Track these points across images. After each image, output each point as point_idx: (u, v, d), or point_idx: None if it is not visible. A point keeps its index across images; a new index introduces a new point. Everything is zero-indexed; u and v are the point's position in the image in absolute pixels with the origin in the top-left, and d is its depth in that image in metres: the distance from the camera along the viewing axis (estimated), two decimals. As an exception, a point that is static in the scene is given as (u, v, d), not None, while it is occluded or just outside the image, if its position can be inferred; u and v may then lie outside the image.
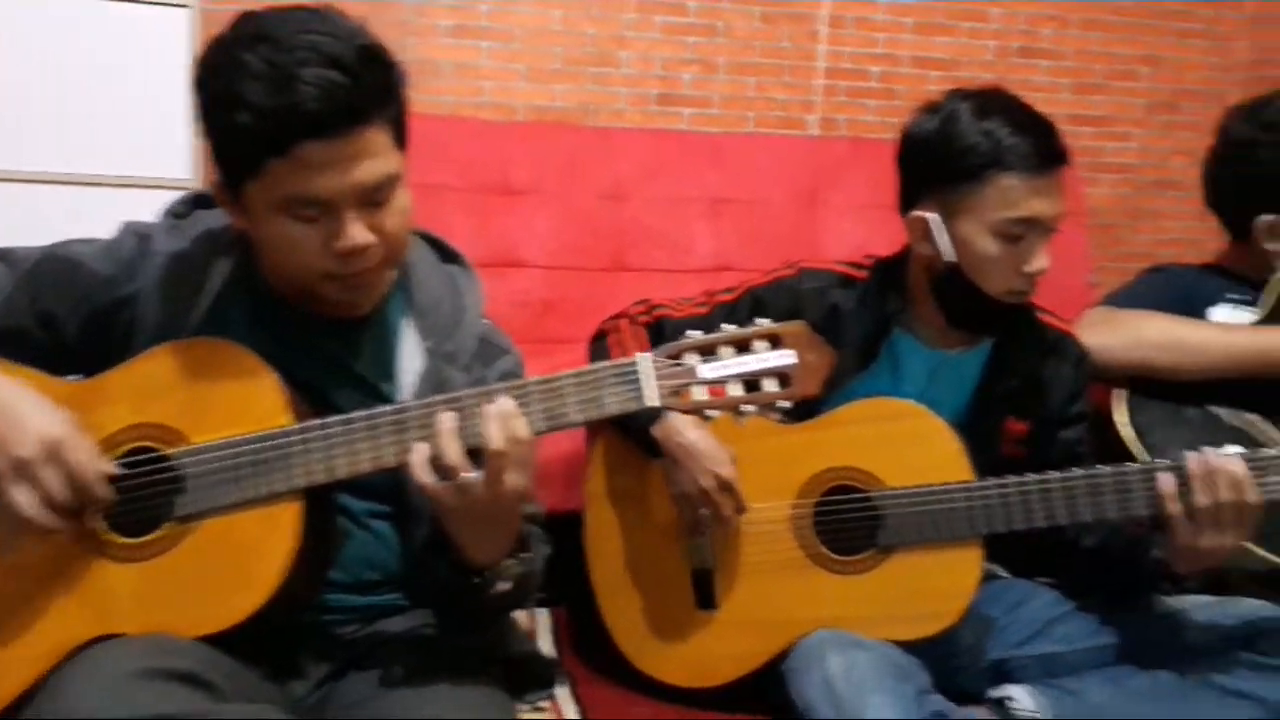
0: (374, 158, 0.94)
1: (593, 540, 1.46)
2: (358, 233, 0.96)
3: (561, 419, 0.95)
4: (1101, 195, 2.84)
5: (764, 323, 0.97)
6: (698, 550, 1.37)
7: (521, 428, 0.91)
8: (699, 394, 0.95)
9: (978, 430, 1.37)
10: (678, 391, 0.95)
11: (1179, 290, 1.69)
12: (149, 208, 1.15)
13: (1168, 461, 1.19)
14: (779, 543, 1.34)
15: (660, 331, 1.45)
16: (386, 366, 1.10)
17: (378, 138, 0.95)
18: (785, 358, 0.96)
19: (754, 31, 2.53)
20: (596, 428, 1.52)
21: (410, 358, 1.10)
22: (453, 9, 2.37)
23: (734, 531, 1.35)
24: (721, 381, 0.96)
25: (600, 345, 1.48)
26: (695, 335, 0.97)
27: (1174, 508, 1.16)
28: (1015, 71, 2.71)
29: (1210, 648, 1.29)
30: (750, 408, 0.97)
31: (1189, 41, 2.85)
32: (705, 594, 1.38)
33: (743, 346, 0.96)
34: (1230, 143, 1.70)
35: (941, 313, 1.37)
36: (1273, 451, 1.14)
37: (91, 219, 1.16)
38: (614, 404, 0.95)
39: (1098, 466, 1.22)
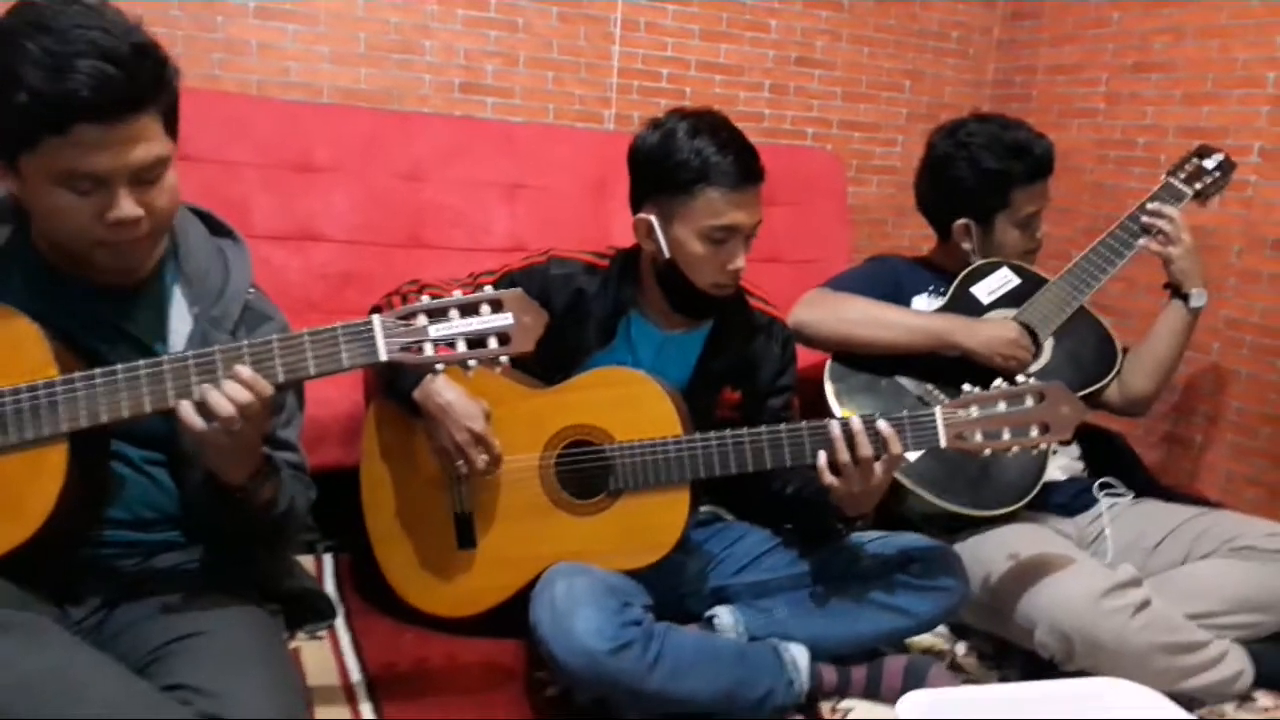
0: (147, 142, 1.07)
1: (368, 492, 1.63)
2: (128, 206, 1.08)
3: (301, 372, 1.10)
4: (870, 194, 3.19)
5: (488, 290, 1.13)
6: (458, 497, 1.56)
7: (262, 387, 1.07)
8: (429, 350, 1.10)
9: (699, 398, 1.62)
10: (408, 348, 1.10)
11: (891, 278, 1.99)
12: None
13: (816, 423, 1.45)
14: (528, 489, 1.55)
15: (429, 307, 1.61)
16: (158, 329, 1.21)
17: (150, 124, 1.08)
18: (504, 319, 1.12)
19: (552, 30, 2.71)
20: (370, 393, 1.69)
21: (180, 320, 1.22)
22: (258, -10, 2.44)
23: (490, 480, 1.55)
24: (449, 339, 1.11)
25: (376, 316, 1.63)
26: (426, 300, 1.12)
27: (821, 460, 1.42)
28: (792, 79, 3.01)
29: (875, 572, 1.58)
30: (473, 362, 1.13)
31: (945, 60, 3.22)
32: (466, 535, 1.57)
33: (469, 310, 1.12)
34: (933, 157, 2.00)
35: (665, 299, 1.60)
36: (904, 414, 1.42)
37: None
38: (349, 359, 1.10)
39: (778, 426, 1.47)
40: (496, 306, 1.13)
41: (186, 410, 1.07)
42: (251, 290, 1.30)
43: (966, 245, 1.95)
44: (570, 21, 2.72)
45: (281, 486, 1.22)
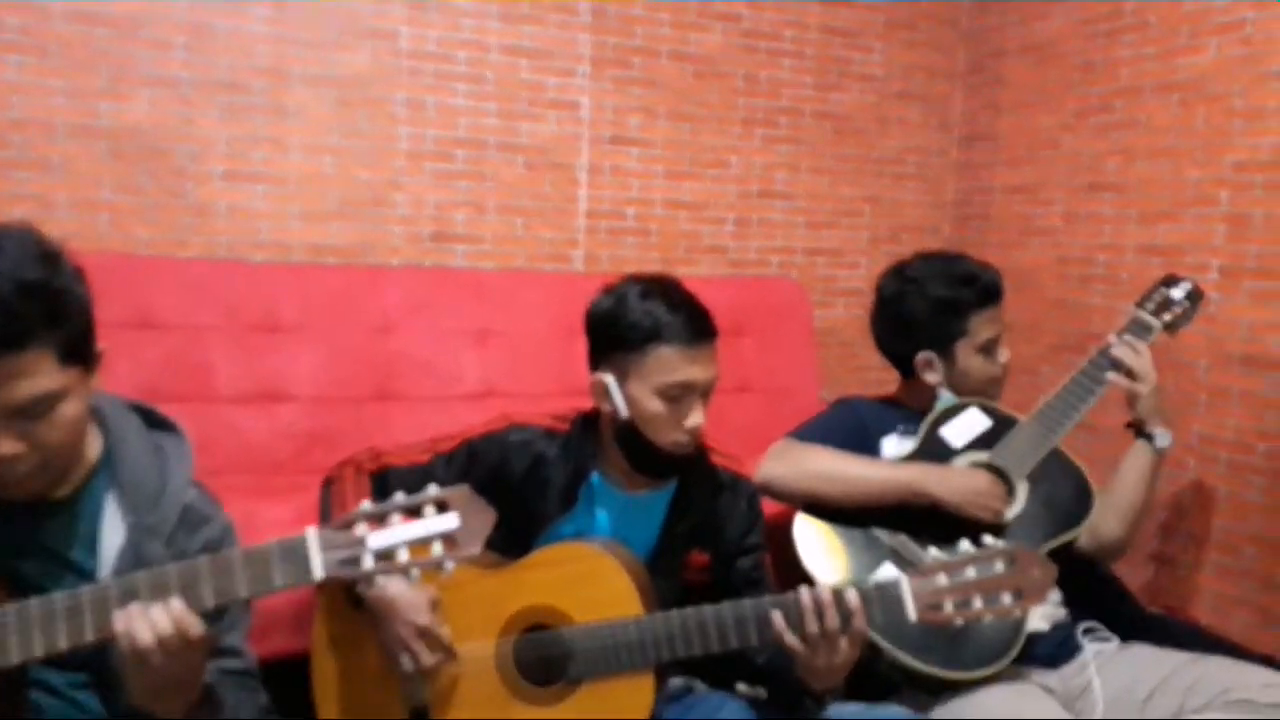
0: (29, 378, 1.04)
1: (319, 686, 1.56)
2: (6, 444, 1.05)
3: (231, 595, 1.06)
4: (837, 317, 3.22)
5: (432, 489, 1.11)
6: (412, 691, 1.50)
7: (187, 625, 1.04)
8: (369, 562, 1.07)
9: (665, 561, 1.58)
10: (346, 562, 1.06)
11: (857, 422, 1.97)
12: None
13: (780, 597, 1.39)
14: (485, 679, 1.49)
15: (385, 479, 1.59)
16: (88, 543, 1.18)
17: (36, 360, 1.05)
18: (449, 522, 1.09)
19: (519, 178, 2.77)
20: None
21: (112, 533, 1.19)
22: (227, 157, 2.49)
23: (445, 671, 1.49)
24: (390, 549, 1.07)
25: (326, 493, 1.61)
26: (366, 506, 1.09)
27: (789, 638, 1.37)
28: (755, 211, 3.07)
29: (854, 751, 1.51)
30: (416, 571, 1.09)
31: (904, 184, 3.30)
32: (423, 730, 1.51)
33: (413, 512, 1.09)
34: (883, 299, 2.00)
35: (626, 460, 1.58)
36: (871, 585, 1.38)
37: None
38: (282, 579, 1.06)
39: (741, 601, 1.43)
40: (442, 507, 1.10)
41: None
42: (192, 490, 1.28)
43: (932, 378, 1.94)
44: (536, 169, 2.78)
45: (219, 712, 1.17)
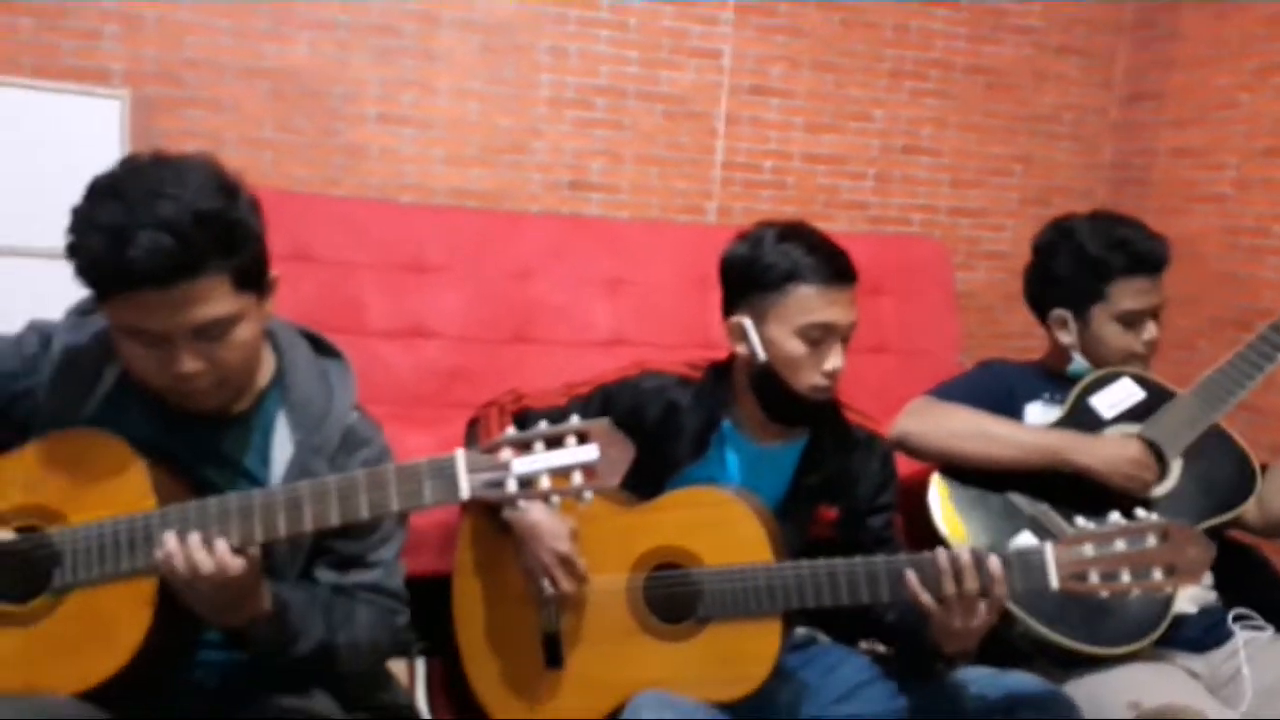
0: (206, 303, 1.10)
1: (459, 606, 1.63)
2: (188, 362, 1.12)
3: (384, 508, 1.11)
4: (978, 280, 3.10)
5: (575, 420, 1.13)
6: (546, 616, 1.55)
7: (226, 564, 1.08)
8: (512, 486, 1.10)
9: (793, 515, 1.57)
10: (491, 484, 1.10)
11: (1001, 386, 1.90)
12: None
13: (916, 556, 1.38)
14: (615, 611, 1.53)
15: (524, 420, 1.63)
16: (261, 455, 1.26)
17: (212, 286, 1.10)
18: (589, 453, 1.10)
19: (657, 127, 2.76)
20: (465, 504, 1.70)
21: (281, 448, 1.26)
22: (379, 99, 2.57)
23: (578, 600, 1.53)
24: (534, 475, 1.10)
25: (472, 431, 1.67)
26: (511, 433, 1.13)
27: (924, 597, 1.35)
28: (898, 167, 2.97)
29: (979, 715, 1.48)
30: (556, 498, 1.12)
31: (1057, 143, 3.13)
32: (553, 655, 1.56)
33: (555, 442, 1.11)
34: (1039, 248, 1.92)
35: (760, 408, 1.58)
36: (1012, 551, 1.34)
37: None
38: (431, 496, 1.10)
39: (874, 557, 1.41)
40: (583, 439, 1.12)
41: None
42: (354, 413, 1.34)
43: (1065, 339, 1.86)
44: (675, 119, 2.77)
45: (292, 627, 1.20)
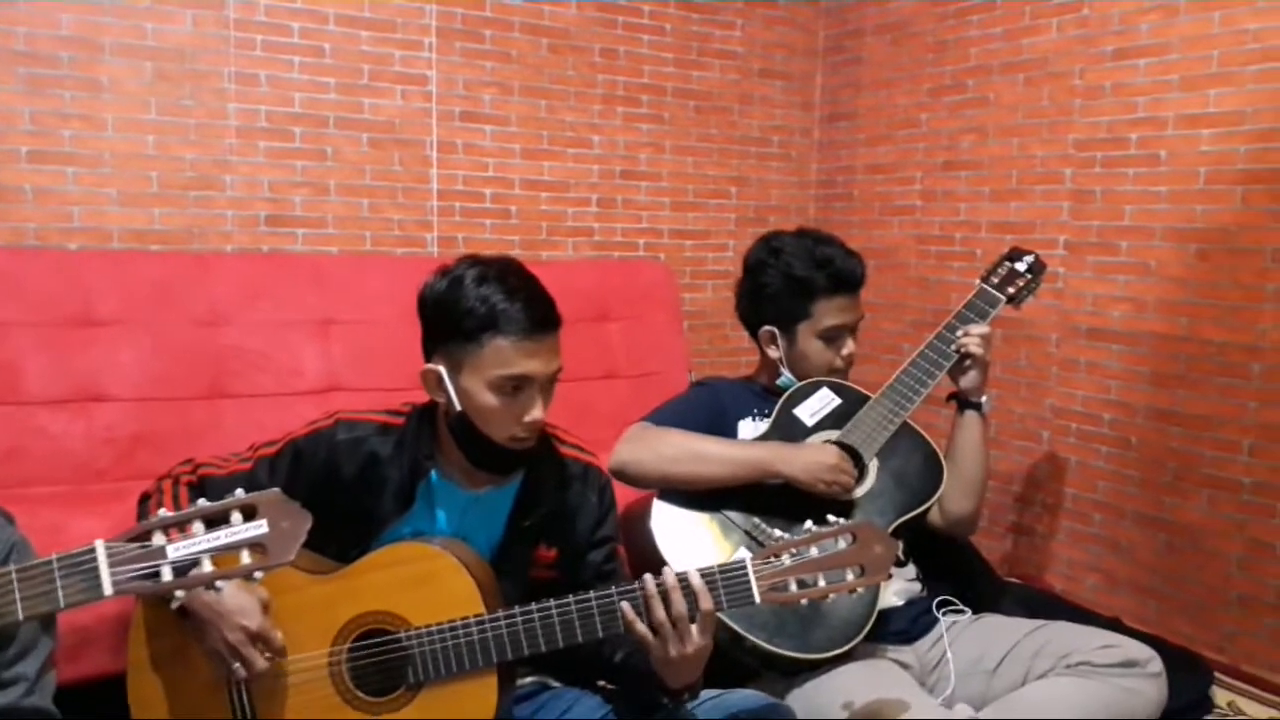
0: None
1: (138, 707, 1.42)
2: None
3: (9, 617, 0.94)
4: (706, 299, 3.19)
5: (239, 494, 1.02)
6: (240, 704, 1.38)
7: None
8: (166, 575, 0.98)
9: (511, 560, 1.49)
10: (141, 576, 0.97)
11: (715, 404, 1.93)
12: None
13: (627, 587, 1.35)
14: (317, 690, 1.38)
15: (204, 490, 1.45)
16: None
17: None
18: (257, 529, 1.00)
19: (363, 156, 2.62)
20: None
21: None
22: (31, 134, 2.26)
23: (274, 681, 1.37)
24: (192, 560, 0.98)
25: (143, 508, 1.47)
26: (163, 514, 1.00)
27: (639, 627, 1.32)
28: (619, 192, 3.00)
29: (704, 740, 1.47)
30: (221, 583, 1.00)
31: (769, 164, 3.29)
32: (251, 748, 1.39)
33: (218, 520, 1.00)
34: (747, 265, 1.98)
35: (464, 456, 1.49)
36: (714, 567, 1.33)
37: None
38: (68, 598, 0.96)
39: (587, 594, 1.36)
40: (249, 513, 1.01)
41: None
42: None
43: (773, 353, 1.93)
44: (383, 146, 2.64)
45: None
